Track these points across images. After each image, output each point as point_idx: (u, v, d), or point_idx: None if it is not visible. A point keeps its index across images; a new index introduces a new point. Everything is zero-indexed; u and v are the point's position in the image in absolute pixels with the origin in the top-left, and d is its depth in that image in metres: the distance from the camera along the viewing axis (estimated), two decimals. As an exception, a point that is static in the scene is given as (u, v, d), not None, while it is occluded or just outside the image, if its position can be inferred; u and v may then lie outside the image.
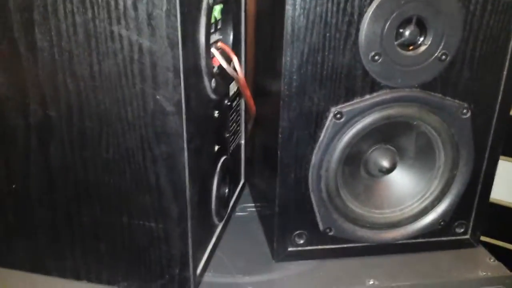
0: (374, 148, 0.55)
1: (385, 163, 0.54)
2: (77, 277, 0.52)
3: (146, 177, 0.46)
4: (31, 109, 0.46)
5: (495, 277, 0.55)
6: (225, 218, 0.62)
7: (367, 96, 0.50)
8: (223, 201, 0.60)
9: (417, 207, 0.57)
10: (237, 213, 0.68)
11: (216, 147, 0.56)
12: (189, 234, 0.48)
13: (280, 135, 0.50)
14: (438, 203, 0.56)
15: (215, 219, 0.58)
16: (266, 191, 0.60)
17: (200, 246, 0.53)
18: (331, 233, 0.55)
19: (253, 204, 0.70)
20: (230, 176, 0.63)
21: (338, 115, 0.50)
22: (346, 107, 0.50)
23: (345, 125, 0.50)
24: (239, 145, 0.69)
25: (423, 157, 0.55)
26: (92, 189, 0.48)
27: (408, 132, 0.54)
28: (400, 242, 0.58)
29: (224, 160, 0.58)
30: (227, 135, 0.61)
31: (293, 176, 0.52)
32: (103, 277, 0.52)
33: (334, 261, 0.57)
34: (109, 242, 0.50)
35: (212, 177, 0.56)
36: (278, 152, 0.51)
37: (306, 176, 0.52)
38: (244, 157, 0.71)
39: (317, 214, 0.54)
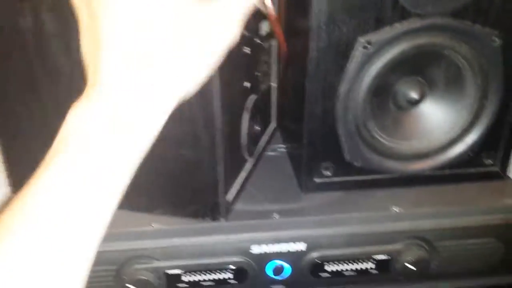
0: (403, 79, 0.54)
1: (414, 94, 0.54)
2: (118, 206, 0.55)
3: (179, 106, 0.47)
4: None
5: (520, 206, 0.56)
6: (256, 156, 0.64)
7: (397, 25, 0.49)
8: (253, 138, 0.62)
9: (445, 138, 0.57)
10: (268, 153, 0.69)
11: (247, 84, 0.57)
12: (220, 162, 0.50)
13: (308, 66, 0.50)
14: (466, 133, 0.56)
15: (246, 154, 0.60)
16: (295, 126, 0.61)
17: (230, 176, 0.56)
18: (357, 164, 0.56)
19: (283, 145, 0.71)
20: (260, 116, 0.64)
21: (367, 45, 0.49)
22: (374, 36, 0.49)
23: (373, 55, 0.50)
24: (270, 88, 0.69)
25: (452, 87, 0.55)
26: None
27: (438, 62, 0.53)
28: (427, 173, 0.59)
29: (254, 98, 0.59)
30: (258, 74, 0.62)
31: (320, 108, 0.53)
32: (141, 205, 0.55)
33: (361, 192, 0.59)
34: (146, 171, 0.52)
35: (243, 112, 0.57)
36: (306, 83, 0.51)
37: (333, 107, 0.53)
38: (276, 101, 0.72)
39: (344, 146, 0.55)
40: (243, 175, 0.60)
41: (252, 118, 0.59)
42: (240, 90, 0.56)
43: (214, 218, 0.54)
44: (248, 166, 0.62)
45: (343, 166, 0.57)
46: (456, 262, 0.57)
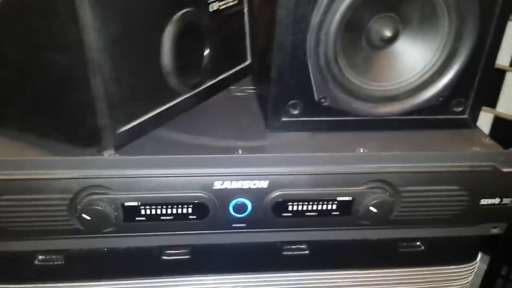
0: (377, 16, 0.53)
1: (387, 32, 0.53)
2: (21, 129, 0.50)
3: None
4: None
5: (487, 153, 0.55)
6: (199, 89, 0.55)
7: (372, -48, 0.47)
8: (189, 65, 0.52)
9: (416, 80, 0.56)
10: (234, 93, 0.67)
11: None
12: (95, 72, 0.41)
13: (279, -9, 0.48)
14: (438, 77, 0.55)
15: (173, 81, 0.51)
16: (263, 61, 0.59)
17: (134, 100, 0.47)
18: (325, 103, 0.55)
19: (252, 87, 0.69)
20: (212, 44, 0.55)
21: (341, -30, 0.47)
22: (350, -38, 0.47)
23: (349, -17, 0.48)
24: (239, 13, 0.59)
25: (426, 26, 0.53)
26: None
27: (413, -3, 0.52)
28: (395, 118, 0.58)
29: (189, 13, 0.51)
30: None
31: (290, 39, 0.51)
32: (38, 131, 0.49)
33: (328, 133, 0.57)
34: (27, 90, 0.46)
35: (162, 25, 0.48)
36: (277, 11, 0.49)
37: (304, 40, 0.51)
38: (249, 31, 0.61)
39: (313, 82, 0.53)
40: (166, 104, 0.51)
41: (186, 38, 0.50)
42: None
43: (100, 149, 0.46)
44: (180, 97, 0.53)
45: (311, 106, 0.55)
46: (420, 209, 0.57)
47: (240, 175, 0.52)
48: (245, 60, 0.64)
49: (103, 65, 0.42)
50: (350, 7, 0.49)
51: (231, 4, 0.58)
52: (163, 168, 0.51)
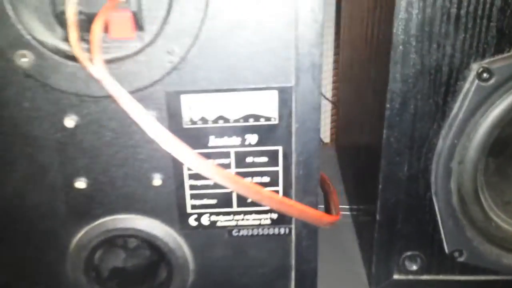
0: (536, 131, 0.36)
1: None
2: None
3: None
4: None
5: None
6: None
7: (532, 47, 0.31)
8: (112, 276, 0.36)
9: None
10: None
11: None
12: None
13: (388, 105, 0.33)
14: None
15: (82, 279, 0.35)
16: (364, 189, 0.43)
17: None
18: (461, 259, 0.37)
19: (348, 207, 0.52)
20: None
21: (485, 75, 0.32)
22: (497, 63, 0.32)
23: (494, 91, 0.32)
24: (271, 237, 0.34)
25: None
26: None
27: None
28: None
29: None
30: None
31: (405, 169, 0.35)
32: None
33: (463, 298, 0.39)
34: None
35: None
36: (384, 132, 0.34)
37: (426, 170, 0.35)
38: (298, 260, 0.35)
39: (442, 229, 0.37)
40: None
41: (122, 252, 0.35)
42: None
43: None
44: None
45: (438, 260, 0.38)
46: None
47: None
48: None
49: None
50: (497, 125, 0.33)
51: (251, 222, 0.34)
52: None
